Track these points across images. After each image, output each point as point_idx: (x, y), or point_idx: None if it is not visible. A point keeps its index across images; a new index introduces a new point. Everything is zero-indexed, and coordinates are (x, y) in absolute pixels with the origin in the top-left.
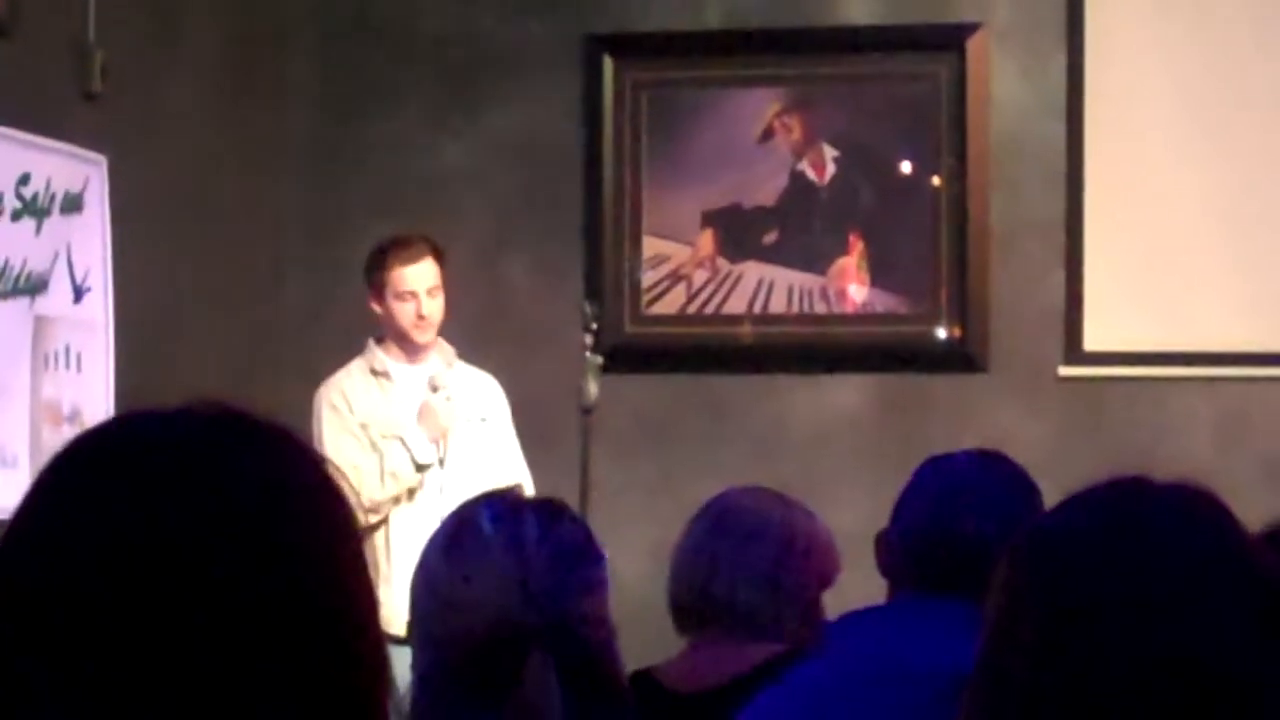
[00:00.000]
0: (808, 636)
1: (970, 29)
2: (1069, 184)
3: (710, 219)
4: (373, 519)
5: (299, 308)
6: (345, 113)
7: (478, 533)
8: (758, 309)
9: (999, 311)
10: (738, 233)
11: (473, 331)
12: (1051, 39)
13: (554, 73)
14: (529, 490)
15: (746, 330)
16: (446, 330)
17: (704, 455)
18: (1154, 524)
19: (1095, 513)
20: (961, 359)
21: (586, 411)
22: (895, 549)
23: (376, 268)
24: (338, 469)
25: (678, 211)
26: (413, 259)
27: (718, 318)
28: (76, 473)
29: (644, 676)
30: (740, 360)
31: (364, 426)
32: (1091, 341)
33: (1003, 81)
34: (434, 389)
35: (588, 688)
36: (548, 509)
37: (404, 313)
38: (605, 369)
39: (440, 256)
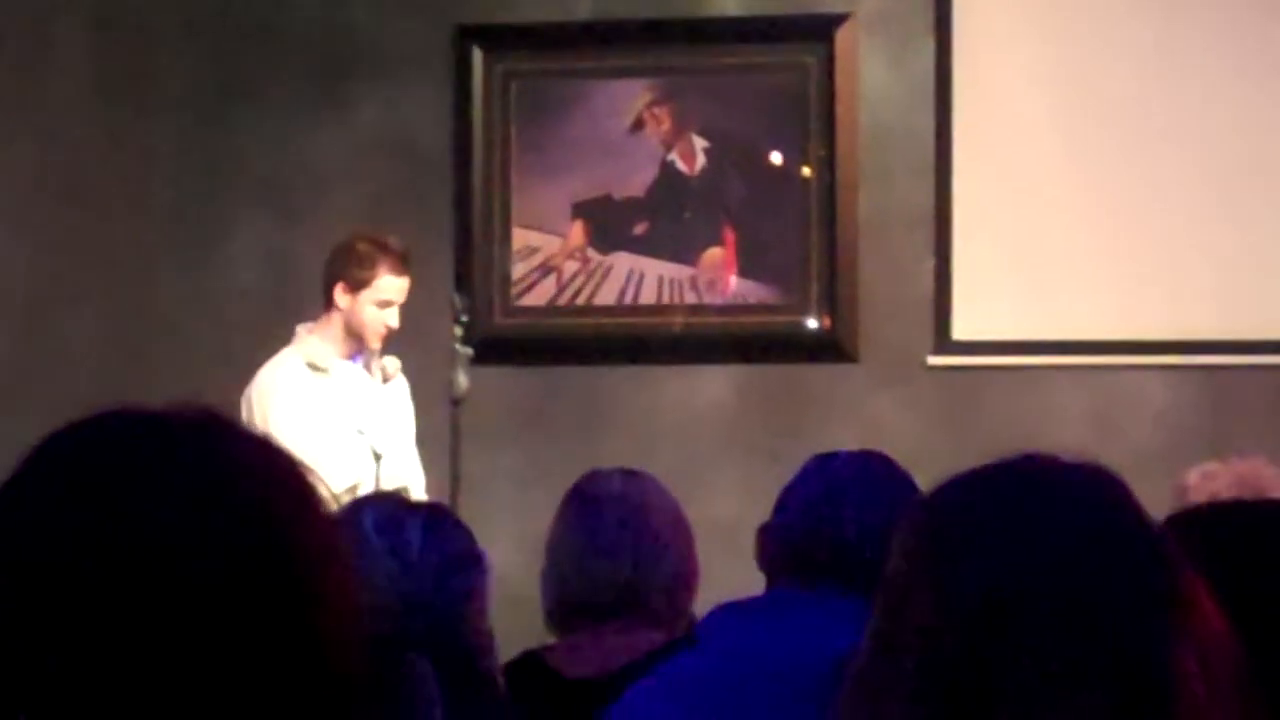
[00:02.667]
0: (686, 625)
1: (838, 19)
2: (938, 174)
3: (580, 210)
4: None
5: (171, 301)
6: (216, 107)
7: (361, 538)
8: (628, 300)
9: (869, 301)
10: (608, 224)
11: None
12: (919, 29)
13: (424, 65)
14: (419, 490)
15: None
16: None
17: (575, 447)
18: (1047, 496)
19: (989, 486)
20: (832, 349)
21: (456, 403)
22: (776, 542)
23: (363, 266)
24: (310, 468)
25: (548, 203)
26: (403, 271)
27: (588, 309)
28: (57, 468)
29: (532, 659)
30: (611, 351)
31: (314, 421)
32: (960, 331)
33: (871, 72)
34: (385, 380)
35: (467, 692)
36: (431, 515)
37: (375, 319)
38: (475, 361)
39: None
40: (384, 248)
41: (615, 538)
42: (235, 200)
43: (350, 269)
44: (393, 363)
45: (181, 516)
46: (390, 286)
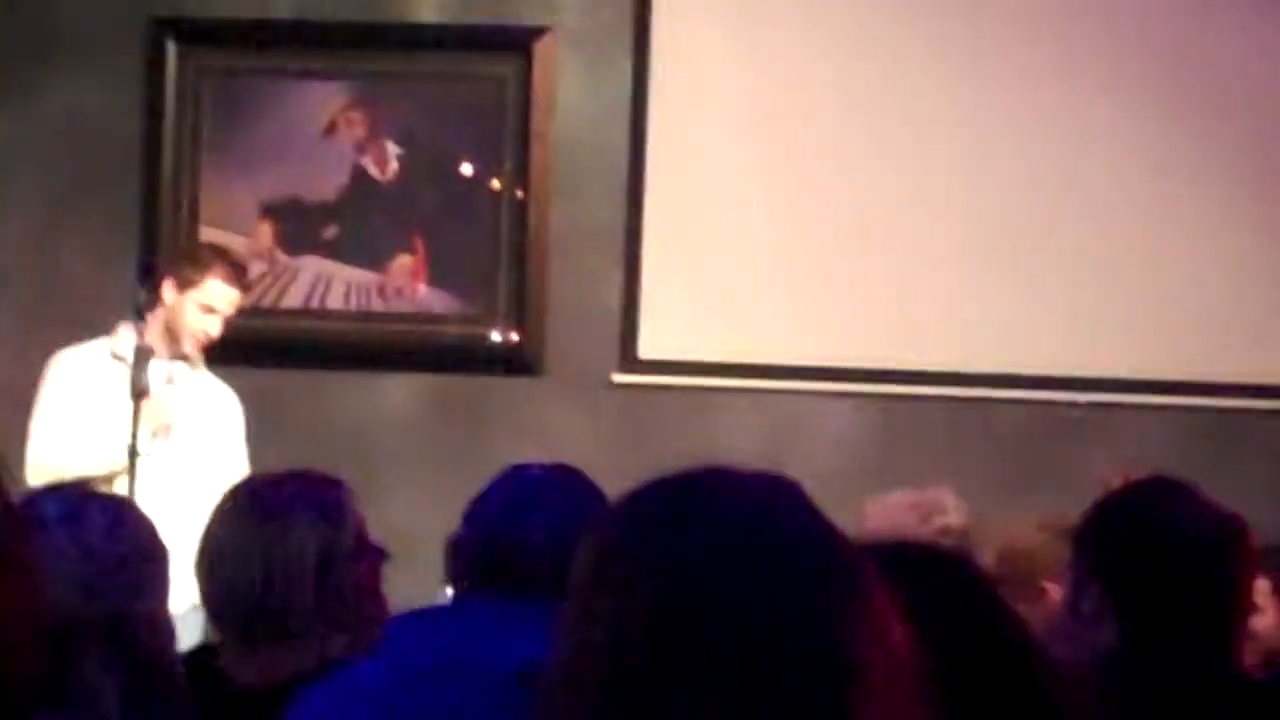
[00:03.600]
0: (367, 634)
1: (538, 32)
2: (629, 191)
3: (269, 211)
4: None
5: None
6: None
7: (42, 527)
8: (314, 304)
9: (556, 316)
10: (297, 226)
11: (25, 315)
12: (618, 45)
13: (116, 56)
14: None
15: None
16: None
17: (254, 451)
18: (726, 501)
19: (667, 495)
20: (518, 362)
21: (137, 398)
22: (464, 553)
23: (195, 266)
24: None
25: (237, 202)
26: (234, 282)
27: (274, 311)
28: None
29: (202, 666)
30: (293, 355)
31: (87, 401)
32: (646, 349)
33: (568, 86)
34: (169, 381)
35: (146, 685)
36: (114, 507)
37: (197, 323)
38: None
39: (248, 289)
40: (222, 255)
41: (248, 550)
42: None
43: (183, 267)
44: (194, 357)
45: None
46: (218, 293)
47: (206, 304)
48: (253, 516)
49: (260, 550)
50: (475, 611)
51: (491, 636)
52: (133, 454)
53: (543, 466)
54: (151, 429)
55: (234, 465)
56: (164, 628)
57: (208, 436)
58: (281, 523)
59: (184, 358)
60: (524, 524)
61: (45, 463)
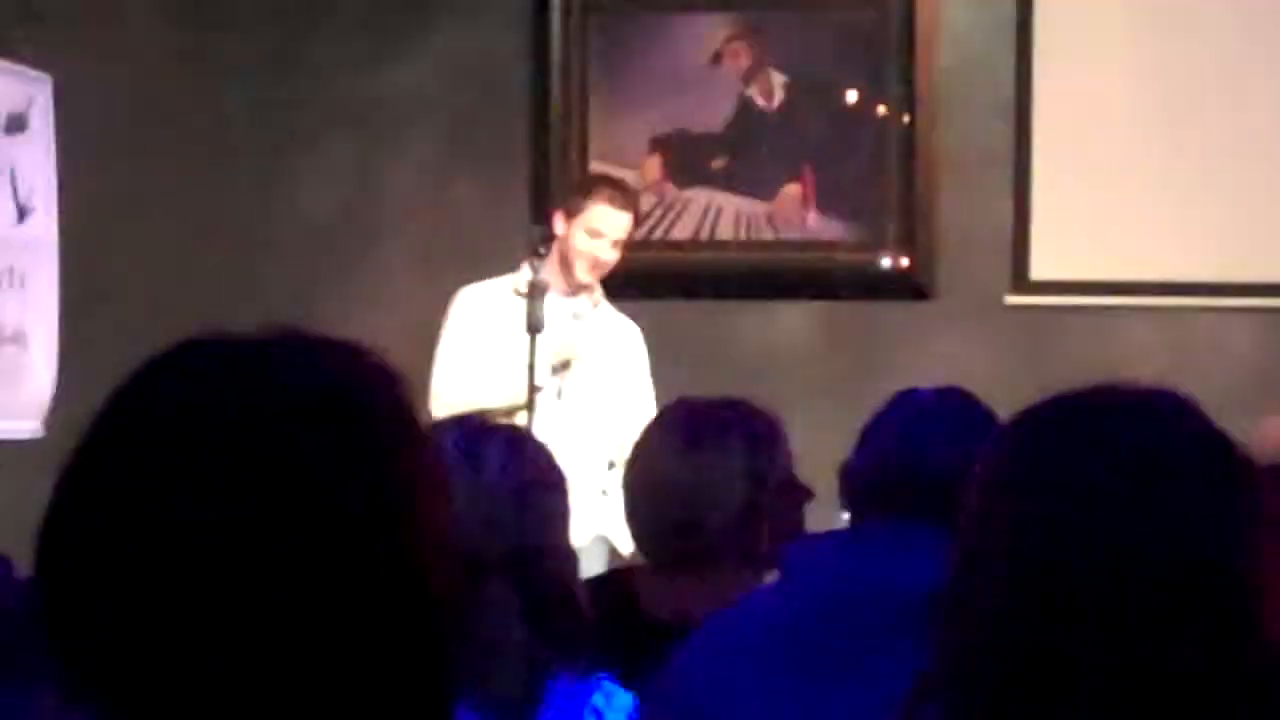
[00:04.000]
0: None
1: None
2: (1017, 113)
3: (658, 144)
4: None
5: (246, 229)
6: (292, 32)
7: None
8: (704, 235)
9: (946, 240)
10: (685, 158)
11: (420, 252)
12: None
13: None
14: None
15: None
16: (395, 246)
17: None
18: (1124, 417)
19: (1066, 411)
20: (908, 287)
21: (534, 332)
22: (858, 479)
23: (584, 194)
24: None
25: (625, 136)
26: (620, 205)
27: (665, 243)
28: (150, 403)
29: (615, 593)
30: (684, 286)
31: (490, 336)
32: (1039, 270)
33: (952, 9)
34: (575, 318)
35: (549, 615)
36: (511, 439)
37: (586, 248)
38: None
39: (639, 217)
40: (607, 180)
41: (676, 474)
42: (314, 124)
43: (571, 196)
44: (594, 293)
45: (275, 440)
46: (603, 217)
47: (594, 229)
48: (684, 441)
49: (689, 475)
50: (873, 537)
51: (890, 561)
52: (532, 388)
53: (934, 390)
54: (551, 364)
55: (638, 398)
56: (565, 558)
57: (610, 371)
58: (713, 450)
59: (585, 290)
60: (917, 447)
61: (447, 398)
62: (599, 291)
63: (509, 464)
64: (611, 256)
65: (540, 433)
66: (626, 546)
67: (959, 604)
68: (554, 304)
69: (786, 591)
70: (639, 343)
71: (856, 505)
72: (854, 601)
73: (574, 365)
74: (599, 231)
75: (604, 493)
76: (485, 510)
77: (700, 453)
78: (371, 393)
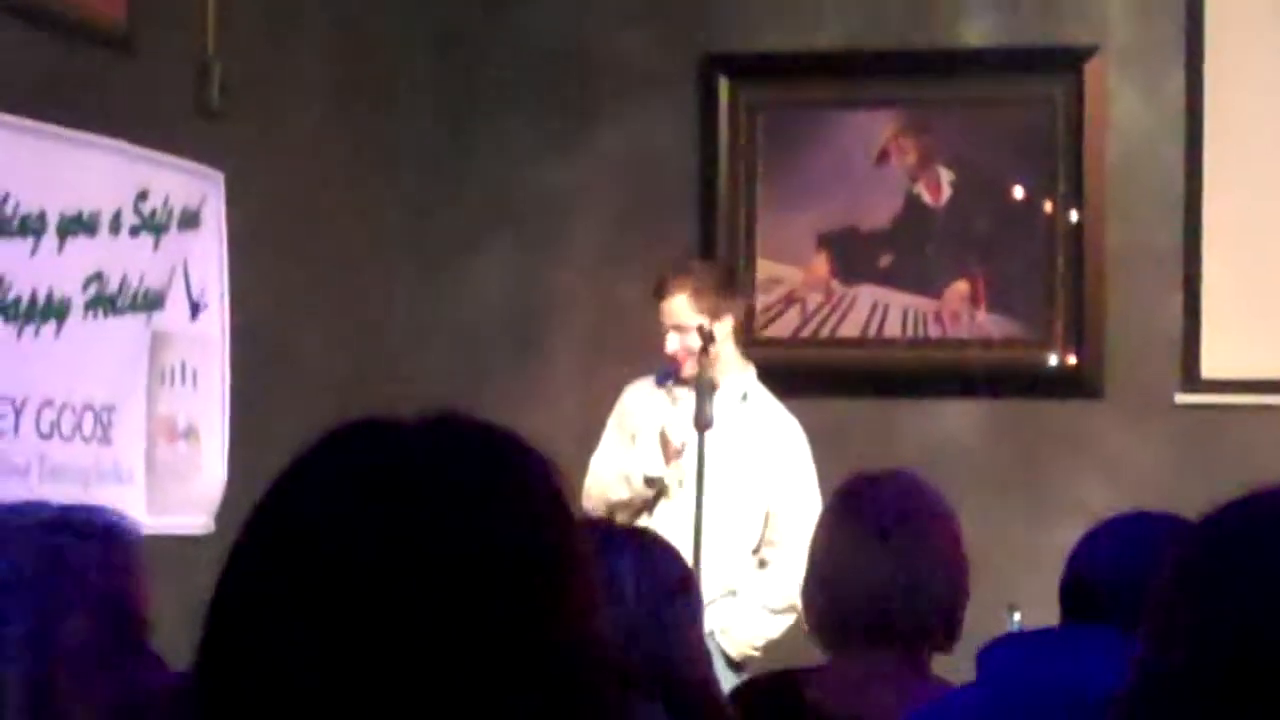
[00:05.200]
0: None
1: (1088, 51)
2: (1187, 208)
3: (825, 241)
4: (619, 517)
5: (410, 322)
6: (459, 128)
7: None
8: (872, 333)
9: (1115, 337)
10: (852, 255)
11: (586, 349)
12: (1170, 61)
13: (669, 91)
14: (793, 546)
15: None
16: (561, 346)
17: (818, 480)
18: None
19: (1254, 514)
20: (1077, 385)
21: (703, 430)
22: (1067, 593)
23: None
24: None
25: (792, 234)
26: (665, 294)
27: (832, 340)
28: (327, 470)
29: (787, 684)
30: (854, 384)
31: (634, 434)
32: (1209, 369)
33: (1120, 104)
34: (676, 394)
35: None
36: (642, 542)
37: (667, 342)
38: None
39: (700, 290)
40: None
41: (893, 552)
42: (477, 221)
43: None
44: (739, 384)
45: (433, 516)
46: (661, 310)
47: (662, 324)
48: (857, 528)
49: (887, 563)
50: (1072, 639)
51: (1081, 663)
52: (648, 481)
53: (1149, 512)
54: (665, 455)
55: (790, 494)
56: (702, 662)
57: (750, 464)
58: (903, 536)
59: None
60: (1116, 559)
61: (593, 495)
62: (749, 384)
63: (642, 571)
64: (684, 342)
65: (666, 526)
66: (734, 650)
67: (1145, 707)
68: (686, 394)
69: (985, 691)
70: (788, 439)
71: (1070, 614)
72: (1048, 703)
73: (680, 454)
74: (665, 324)
75: (732, 593)
76: (621, 622)
77: (884, 539)
78: (530, 477)
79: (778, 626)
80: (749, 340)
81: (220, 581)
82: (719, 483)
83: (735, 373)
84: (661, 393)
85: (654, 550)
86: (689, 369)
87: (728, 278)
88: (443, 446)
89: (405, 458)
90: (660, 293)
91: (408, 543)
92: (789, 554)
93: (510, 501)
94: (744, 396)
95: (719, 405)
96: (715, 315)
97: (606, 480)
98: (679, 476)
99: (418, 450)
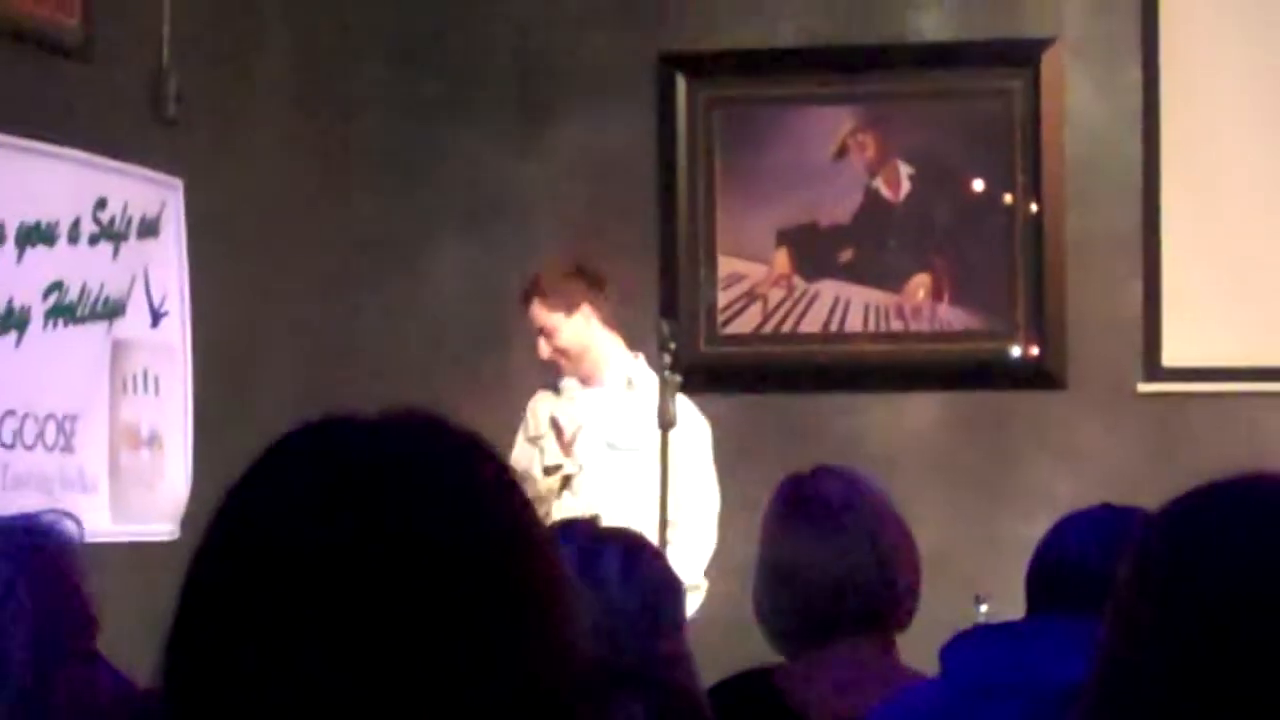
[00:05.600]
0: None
1: (1044, 44)
2: (1145, 197)
3: (785, 237)
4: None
5: (374, 327)
6: (418, 131)
7: None
8: (833, 328)
9: (1077, 328)
10: (813, 251)
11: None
12: (1126, 52)
13: (626, 90)
14: (687, 530)
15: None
16: (522, 344)
17: (780, 474)
18: (1270, 507)
19: (1216, 501)
20: (1039, 376)
21: (665, 429)
22: (1034, 583)
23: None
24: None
25: (752, 230)
26: (525, 304)
27: (794, 336)
28: (286, 470)
29: (758, 682)
30: (816, 379)
31: (536, 437)
32: (1171, 357)
33: (1077, 95)
34: (565, 386)
35: None
36: (628, 544)
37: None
38: (681, 388)
39: (549, 295)
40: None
41: (854, 540)
42: (437, 223)
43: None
44: (627, 374)
45: (400, 517)
46: (529, 316)
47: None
48: (813, 523)
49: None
50: (1034, 630)
51: (1044, 654)
52: (546, 471)
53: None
54: (559, 443)
55: (686, 473)
56: (688, 665)
57: (639, 447)
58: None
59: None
60: (1080, 550)
61: None
62: (637, 374)
63: (628, 574)
64: (551, 345)
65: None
66: None
67: (1108, 697)
68: (580, 393)
69: (945, 683)
70: (685, 418)
71: (1036, 605)
72: (1008, 694)
73: (574, 441)
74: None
75: None
76: (607, 622)
77: (833, 531)
78: (485, 471)
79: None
80: (712, 337)
81: (183, 586)
82: (614, 470)
83: (617, 362)
84: (555, 394)
85: (640, 551)
86: (569, 369)
87: (575, 271)
88: (398, 442)
89: (361, 454)
90: (521, 304)
91: (366, 540)
92: (687, 534)
93: (466, 496)
94: (629, 383)
95: (602, 397)
96: (569, 310)
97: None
98: (577, 464)
99: (373, 447)
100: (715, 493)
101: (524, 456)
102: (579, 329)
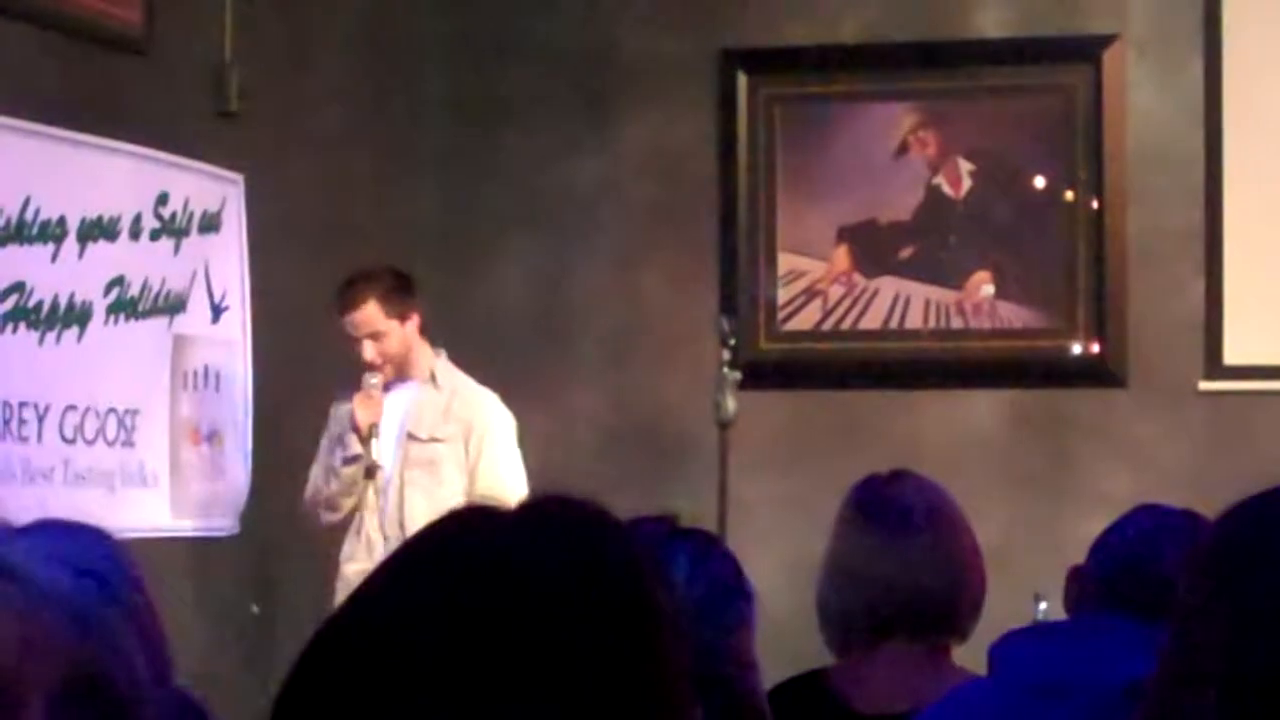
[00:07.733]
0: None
1: (1106, 40)
2: (1207, 194)
3: (845, 234)
4: (333, 517)
5: (434, 323)
6: (481, 128)
7: None
8: (893, 325)
9: (1138, 326)
10: (873, 248)
11: (609, 344)
12: (1188, 48)
13: (689, 88)
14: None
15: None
16: (586, 343)
17: (840, 471)
18: None
19: (1274, 500)
20: (1099, 374)
21: (723, 427)
22: (1088, 581)
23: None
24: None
25: (813, 227)
26: (353, 306)
27: (853, 333)
28: (422, 569)
29: (814, 683)
30: (875, 376)
31: (339, 435)
32: (1232, 355)
33: (1138, 92)
34: (370, 383)
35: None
36: (698, 543)
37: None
38: (740, 385)
39: (385, 296)
40: (344, 282)
41: (927, 549)
42: (500, 220)
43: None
44: (429, 369)
45: (520, 612)
46: (344, 324)
47: (349, 337)
48: (888, 528)
49: (903, 551)
50: (1087, 630)
51: (1100, 655)
52: (346, 461)
53: (1178, 509)
54: (355, 429)
55: (490, 455)
56: (747, 661)
57: (445, 435)
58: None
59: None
60: (1152, 556)
61: (308, 498)
62: (440, 368)
63: (696, 573)
64: (377, 350)
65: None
66: None
67: (1170, 698)
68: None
69: (998, 682)
70: (484, 415)
71: (1083, 607)
72: (1063, 693)
73: (370, 428)
74: (351, 338)
75: None
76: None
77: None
78: (618, 572)
79: None
80: (772, 334)
81: (300, 661)
82: (414, 458)
83: (425, 361)
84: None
85: (710, 549)
86: (389, 373)
87: (405, 280)
88: (532, 540)
89: (494, 551)
90: (347, 306)
91: (491, 635)
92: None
93: (594, 602)
94: (431, 377)
95: (405, 392)
96: (404, 317)
97: (317, 480)
98: (376, 454)
99: (507, 544)
100: (523, 477)
101: (323, 453)
102: (409, 335)
